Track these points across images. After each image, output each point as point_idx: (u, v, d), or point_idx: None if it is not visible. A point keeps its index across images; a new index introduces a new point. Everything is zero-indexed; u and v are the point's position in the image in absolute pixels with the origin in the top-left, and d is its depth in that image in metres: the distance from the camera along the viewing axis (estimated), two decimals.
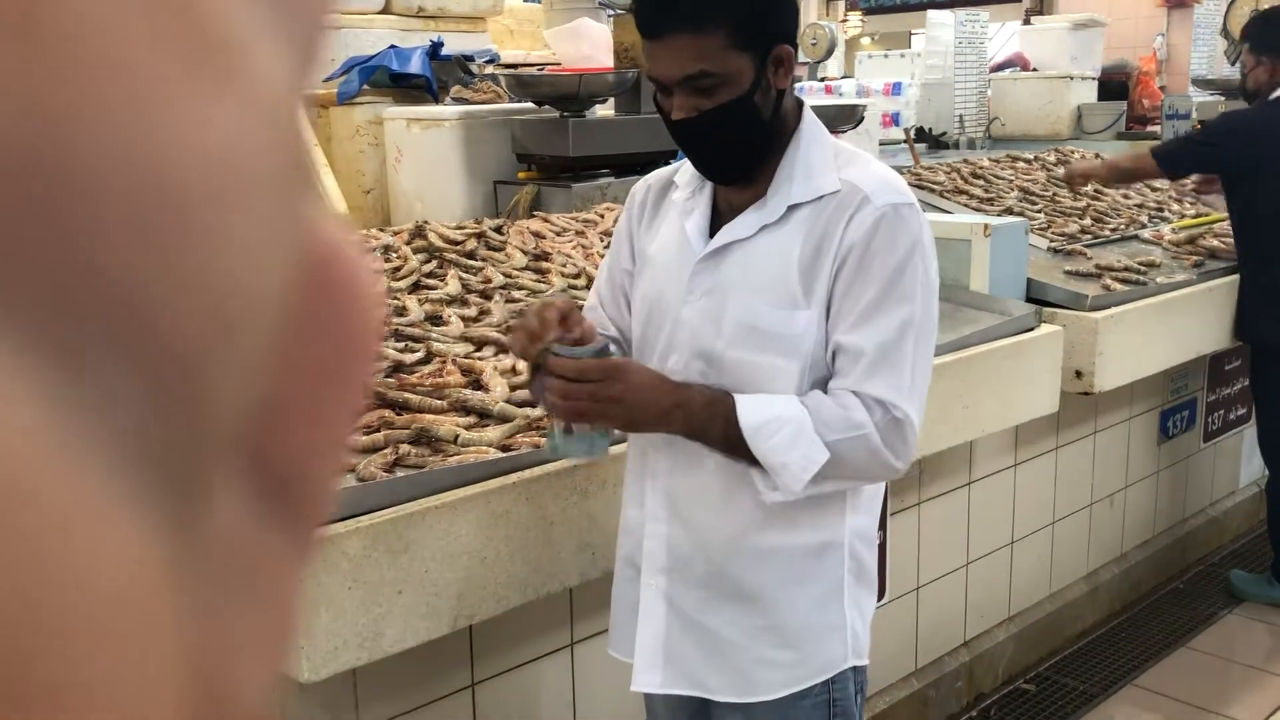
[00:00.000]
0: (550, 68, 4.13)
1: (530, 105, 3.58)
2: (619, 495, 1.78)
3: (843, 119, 3.95)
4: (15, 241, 0.12)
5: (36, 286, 0.12)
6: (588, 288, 2.62)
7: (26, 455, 0.12)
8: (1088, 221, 3.93)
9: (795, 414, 1.45)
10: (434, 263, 2.70)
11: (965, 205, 3.89)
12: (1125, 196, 4.40)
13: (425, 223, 2.90)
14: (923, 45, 6.86)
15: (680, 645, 1.62)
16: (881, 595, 2.33)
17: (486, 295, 2.54)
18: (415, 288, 2.55)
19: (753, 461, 1.47)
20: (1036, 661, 3.42)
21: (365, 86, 3.83)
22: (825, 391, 1.50)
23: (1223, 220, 3.81)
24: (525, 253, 2.82)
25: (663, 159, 3.44)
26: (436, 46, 4.04)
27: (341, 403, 0.17)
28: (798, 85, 1.59)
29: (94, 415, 0.13)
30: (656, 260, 1.63)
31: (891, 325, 1.46)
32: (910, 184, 1.55)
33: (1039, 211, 3.96)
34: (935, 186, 4.02)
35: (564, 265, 2.77)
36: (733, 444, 1.47)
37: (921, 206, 1.56)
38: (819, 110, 1.63)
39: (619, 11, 3.86)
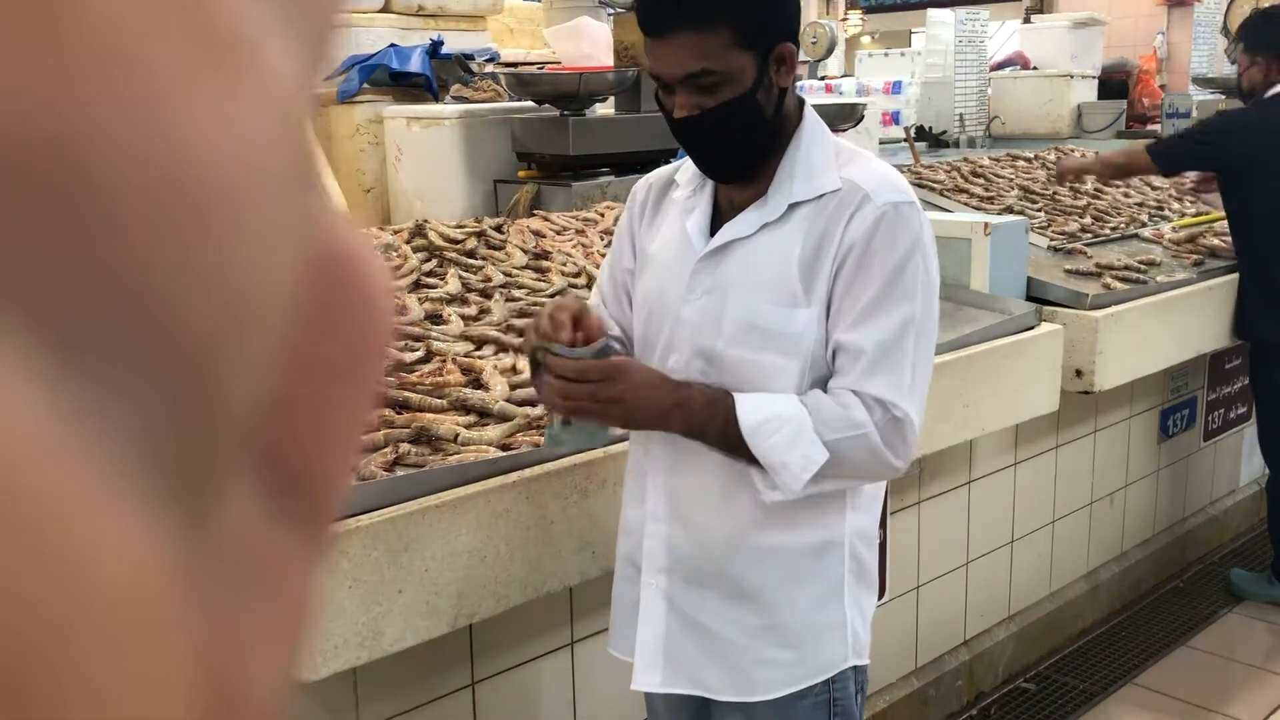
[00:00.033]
0: (550, 66, 4.13)
1: (530, 104, 3.58)
2: (619, 494, 1.78)
3: (843, 118, 3.95)
4: (28, 239, 0.12)
5: (49, 284, 0.12)
6: (588, 286, 2.62)
7: (34, 454, 0.12)
8: (1088, 220, 3.92)
9: (795, 413, 1.45)
10: (434, 262, 2.70)
11: (965, 204, 3.89)
12: (1125, 195, 4.40)
13: (425, 221, 2.90)
14: (923, 44, 6.86)
15: (680, 644, 1.62)
16: (881, 594, 2.33)
17: (486, 294, 2.54)
18: (415, 287, 2.55)
19: (752, 460, 1.47)
20: (1037, 660, 3.42)
21: (365, 85, 3.83)
22: (825, 390, 1.50)
23: (1223, 219, 3.81)
24: (525, 251, 2.82)
25: (663, 158, 3.45)
26: (436, 45, 4.04)
27: (353, 401, 0.17)
28: (798, 84, 1.59)
29: (104, 414, 0.13)
30: (657, 259, 1.63)
31: (892, 324, 1.46)
32: (910, 183, 1.55)
33: (1039, 210, 3.96)
34: (935, 185, 4.02)
35: (564, 264, 2.77)
36: (732, 443, 1.47)
37: (922, 205, 1.56)
38: (819, 109, 1.63)
39: (619, 10, 3.86)
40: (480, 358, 2.17)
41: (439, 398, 1.93)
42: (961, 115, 6.19)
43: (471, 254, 2.77)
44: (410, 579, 1.63)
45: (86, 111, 0.12)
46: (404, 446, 1.79)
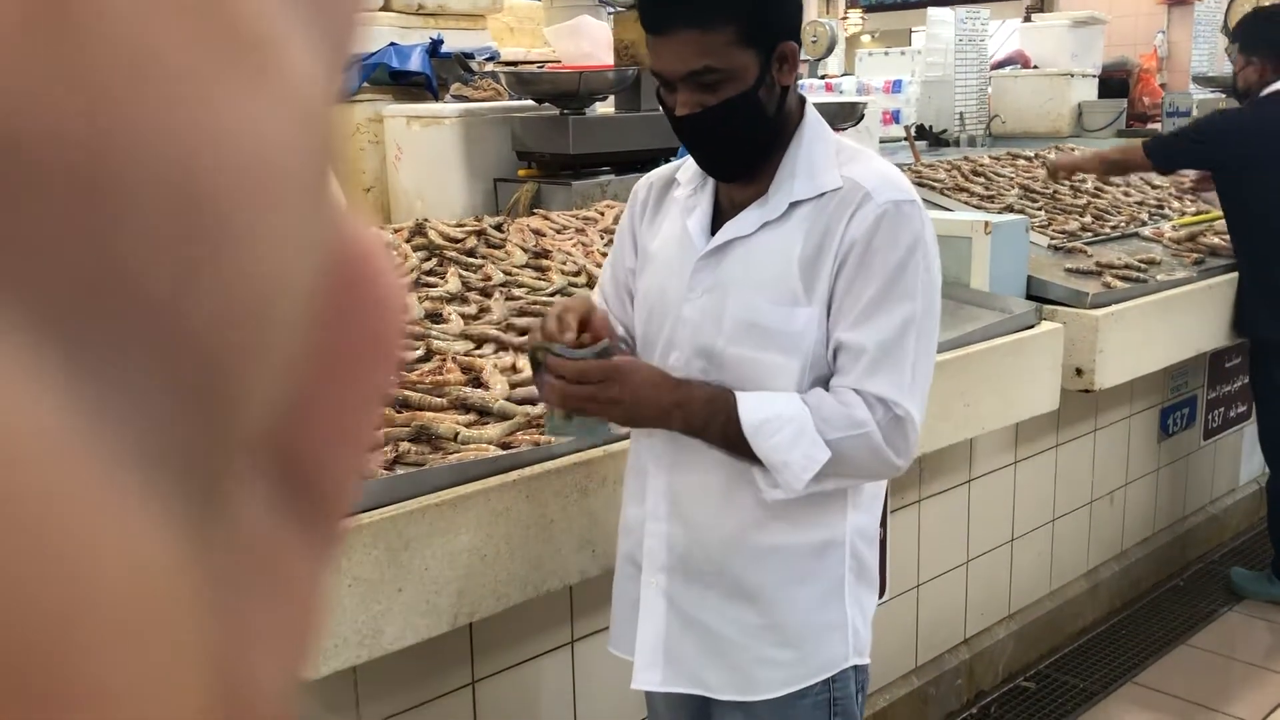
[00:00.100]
0: (550, 65, 4.13)
1: (530, 103, 3.58)
2: (619, 493, 1.78)
3: (843, 116, 3.94)
4: (43, 237, 0.12)
5: (63, 282, 0.12)
6: (588, 285, 2.62)
7: (40, 451, 0.12)
8: (1088, 219, 3.93)
9: (796, 412, 1.45)
10: (434, 260, 2.70)
11: (966, 203, 3.89)
12: (1126, 194, 4.40)
13: (425, 220, 2.90)
14: (923, 42, 6.86)
15: (681, 643, 1.62)
16: (882, 593, 2.33)
17: (486, 293, 2.54)
18: (415, 285, 2.55)
19: (754, 459, 1.47)
20: (1037, 659, 3.42)
21: (365, 84, 3.83)
22: (826, 389, 1.50)
23: (1222, 218, 3.81)
24: (525, 250, 2.82)
25: (663, 156, 3.45)
26: (436, 44, 4.04)
27: (364, 401, 0.17)
28: (798, 83, 1.59)
29: (114, 412, 0.13)
30: (658, 257, 1.63)
31: (893, 323, 1.46)
32: (911, 181, 1.56)
33: (1039, 209, 3.96)
34: (936, 184, 4.02)
35: (564, 263, 2.77)
36: (733, 442, 1.47)
37: (923, 204, 1.55)
38: (819, 108, 1.63)
39: (619, 9, 3.86)
40: (480, 356, 2.17)
41: (439, 396, 1.93)
42: (962, 114, 6.18)
43: (471, 253, 2.77)
44: (410, 578, 1.63)
45: (106, 110, 0.12)
46: (404, 445, 1.79)
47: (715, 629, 1.60)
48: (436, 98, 3.90)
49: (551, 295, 2.56)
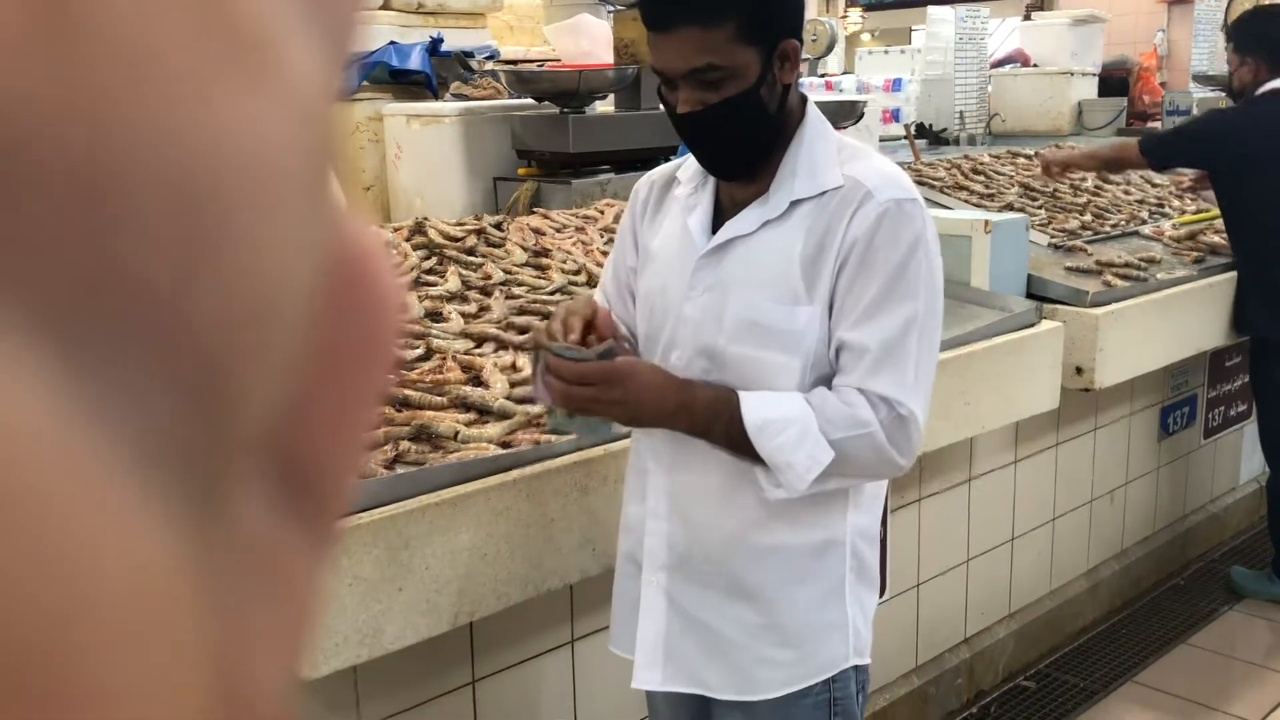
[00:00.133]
0: (550, 64, 4.13)
1: (530, 101, 3.58)
2: (619, 491, 1.78)
3: (843, 115, 3.95)
4: (43, 236, 0.12)
5: (63, 282, 0.12)
6: (588, 284, 2.62)
7: (39, 450, 0.12)
8: (1088, 217, 3.93)
9: (800, 412, 1.45)
10: (434, 259, 2.70)
11: (966, 201, 3.89)
12: (1126, 192, 4.40)
13: (425, 219, 2.90)
14: (923, 41, 6.86)
15: (681, 643, 1.62)
16: (882, 592, 2.33)
17: (486, 292, 2.54)
18: (415, 284, 2.55)
19: (757, 459, 1.47)
20: (1037, 658, 3.42)
21: (365, 82, 3.82)
22: (828, 387, 1.50)
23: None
24: (525, 249, 2.82)
25: (663, 155, 3.45)
26: (436, 42, 4.04)
27: (362, 400, 0.17)
28: (798, 81, 1.59)
29: (114, 412, 0.13)
30: (659, 256, 1.63)
31: (895, 322, 1.46)
32: (911, 180, 1.55)
33: (1039, 207, 3.96)
34: (935, 182, 4.02)
35: (564, 262, 2.77)
36: (736, 442, 1.47)
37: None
38: (819, 106, 1.63)
39: (619, 7, 3.86)
40: (480, 355, 2.17)
41: (439, 395, 1.93)
42: (962, 112, 6.18)
43: (471, 251, 2.77)
44: (410, 577, 1.63)
45: (106, 110, 0.12)
46: (404, 444, 1.79)
47: (715, 628, 1.60)
48: (436, 96, 3.90)
49: (551, 294, 2.56)
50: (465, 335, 2.27)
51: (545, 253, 2.82)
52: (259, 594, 0.15)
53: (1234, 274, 3.61)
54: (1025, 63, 6.97)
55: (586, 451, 1.87)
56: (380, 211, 3.75)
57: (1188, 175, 4.18)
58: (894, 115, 5.98)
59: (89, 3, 0.12)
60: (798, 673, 1.59)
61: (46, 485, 0.12)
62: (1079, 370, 3.02)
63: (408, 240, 2.76)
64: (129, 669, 0.12)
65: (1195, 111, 5.65)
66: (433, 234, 2.80)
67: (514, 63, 4.55)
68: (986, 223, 2.99)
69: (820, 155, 1.53)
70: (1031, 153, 4.81)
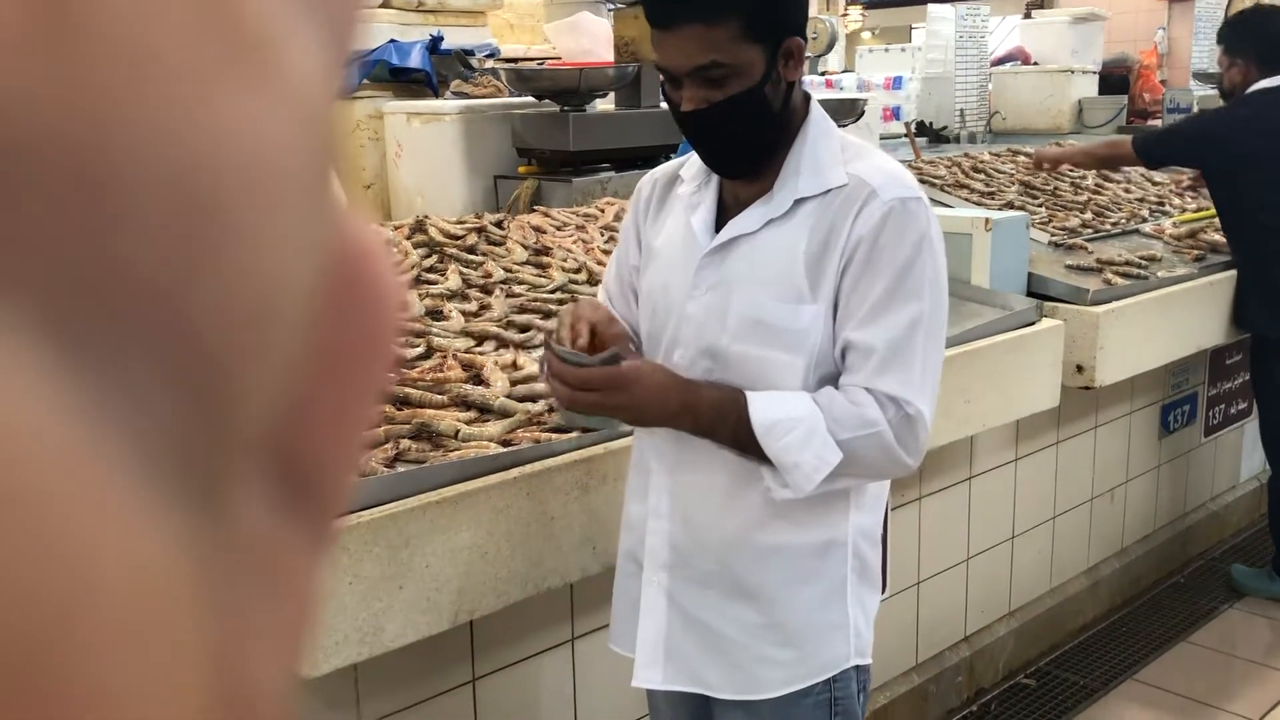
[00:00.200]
0: (550, 62, 4.13)
1: (530, 99, 3.58)
2: (620, 490, 1.78)
3: (843, 113, 3.94)
4: (43, 235, 0.12)
5: (63, 281, 0.12)
6: (588, 282, 2.62)
7: (40, 450, 0.12)
8: (1089, 215, 3.93)
9: (807, 413, 1.45)
10: (434, 258, 2.70)
11: (966, 199, 3.88)
12: (1126, 190, 4.40)
13: (425, 217, 2.90)
14: (923, 39, 6.85)
15: (681, 642, 1.62)
16: (882, 590, 2.32)
17: (487, 290, 2.54)
18: (416, 282, 2.55)
19: (763, 459, 1.47)
20: (1037, 656, 3.42)
21: (365, 81, 3.82)
22: (833, 386, 1.50)
23: None
24: (526, 247, 2.82)
25: (663, 153, 3.45)
26: (436, 41, 4.03)
27: (362, 399, 0.17)
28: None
29: (115, 411, 0.13)
30: (662, 254, 1.63)
31: (901, 322, 1.46)
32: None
33: (1040, 205, 3.96)
34: (936, 180, 4.02)
35: (565, 260, 2.77)
36: (743, 442, 1.47)
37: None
38: (819, 105, 1.63)
39: (619, 5, 3.85)
40: (481, 354, 2.17)
41: (439, 394, 1.93)
42: (962, 110, 6.18)
43: (472, 250, 2.77)
44: (411, 575, 1.63)
45: (107, 110, 0.12)
46: (404, 443, 1.79)
47: (716, 628, 1.60)
48: (437, 95, 3.90)
49: (552, 292, 2.56)
50: (466, 333, 2.27)
51: (546, 251, 2.82)
52: (259, 593, 0.15)
53: (1234, 272, 3.61)
54: (1026, 60, 6.97)
55: (587, 450, 1.87)
56: (381, 210, 3.75)
57: (1187, 174, 4.18)
58: (894, 113, 5.98)
59: (89, 3, 0.12)
60: (798, 672, 1.58)
61: (47, 485, 0.12)
62: (1079, 368, 3.02)
63: (408, 238, 2.76)
64: (129, 669, 0.12)
65: (1196, 109, 5.66)
66: (433, 232, 2.80)
67: (514, 61, 4.55)
68: (987, 221, 2.99)
69: (824, 153, 1.53)
70: (1032, 150, 4.81)
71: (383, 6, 4.41)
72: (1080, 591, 3.60)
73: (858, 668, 1.62)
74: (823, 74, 7.04)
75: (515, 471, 1.77)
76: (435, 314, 2.37)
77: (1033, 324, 2.86)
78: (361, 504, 1.60)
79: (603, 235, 2.95)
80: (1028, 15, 8.08)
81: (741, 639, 1.59)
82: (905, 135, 5.19)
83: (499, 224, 2.95)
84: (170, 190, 0.13)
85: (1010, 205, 3.82)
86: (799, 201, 1.52)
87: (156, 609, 0.13)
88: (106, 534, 0.12)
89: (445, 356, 2.10)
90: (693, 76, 1.47)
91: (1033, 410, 2.86)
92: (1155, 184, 4.53)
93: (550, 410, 1.93)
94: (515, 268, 2.70)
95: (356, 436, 0.17)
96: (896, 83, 6.46)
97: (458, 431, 1.83)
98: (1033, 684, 3.30)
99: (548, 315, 2.39)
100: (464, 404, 1.92)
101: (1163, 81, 7.30)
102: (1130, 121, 6.48)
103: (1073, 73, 6.48)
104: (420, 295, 2.44)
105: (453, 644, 1.95)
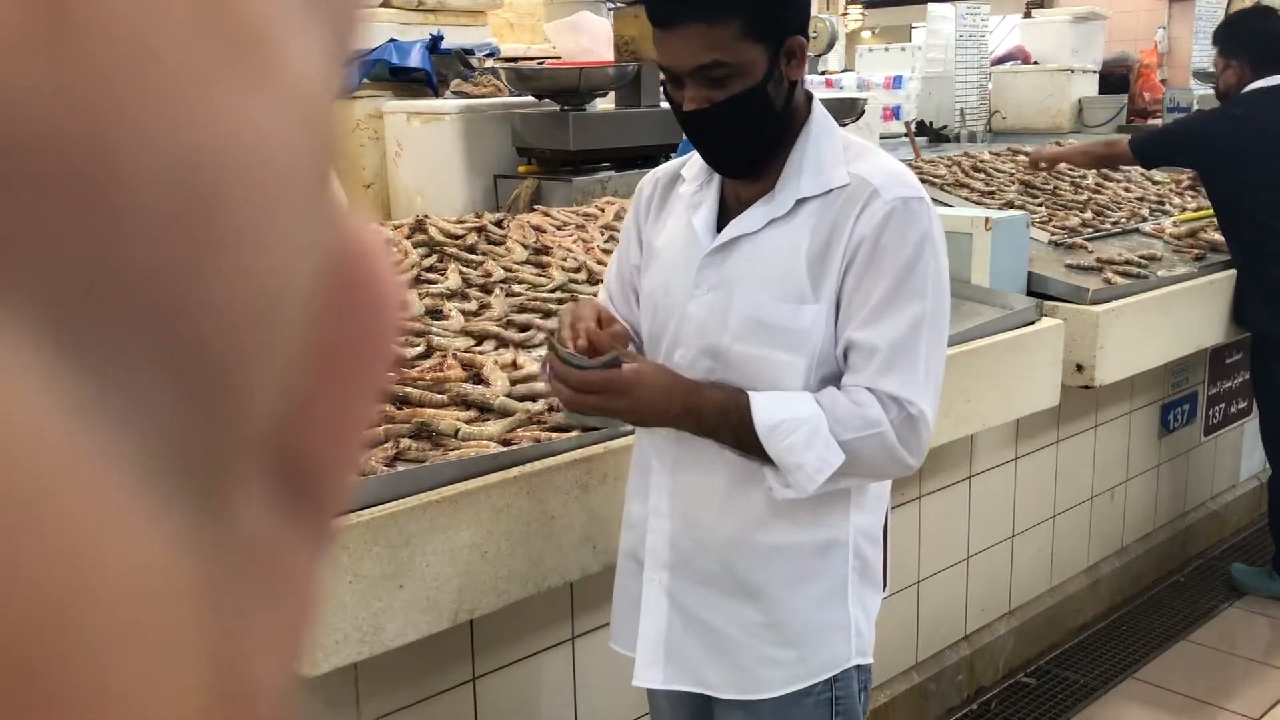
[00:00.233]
0: (550, 61, 4.13)
1: (530, 99, 3.58)
2: (620, 489, 1.78)
3: (843, 112, 3.94)
4: (44, 233, 0.12)
5: (63, 279, 0.12)
6: (588, 282, 2.62)
7: (46, 454, 0.12)
8: (1089, 215, 3.93)
9: (810, 414, 1.44)
10: (434, 257, 2.70)
11: (966, 199, 3.88)
12: (1126, 190, 4.40)
13: (425, 217, 2.90)
14: (923, 38, 6.85)
15: (682, 641, 1.62)
16: (883, 589, 2.33)
17: (487, 289, 2.54)
18: (415, 282, 2.55)
19: (765, 459, 1.46)
20: (1037, 655, 3.42)
21: (365, 80, 3.82)
22: (835, 386, 1.50)
23: None
24: (526, 247, 2.82)
25: (663, 152, 3.45)
26: (436, 40, 4.03)
27: (362, 399, 0.17)
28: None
29: (115, 410, 0.13)
30: (664, 254, 1.63)
31: (903, 322, 1.46)
32: None
33: (1040, 205, 3.96)
34: (936, 180, 4.02)
35: (564, 259, 2.77)
36: (745, 443, 1.46)
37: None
38: None
39: (619, 4, 3.85)
40: (481, 353, 2.17)
41: (439, 393, 1.93)
42: (962, 110, 6.18)
43: (472, 249, 2.77)
44: (411, 574, 1.63)
45: (107, 109, 0.12)
46: (404, 442, 1.79)
47: (717, 627, 1.59)
48: (436, 94, 3.90)
49: (552, 291, 2.56)
50: (466, 333, 2.27)
51: (546, 250, 2.82)
52: (259, 593, 0.15)
53: (1234, 271, 3.61)
54: (1026, 60, 6.96)
55: (587, 449, 1.87)
56: (380, 209, 3.75)
57: (1186, 173, 4.19)
58: (894, 112, 5.98)
59: (89, 2, 0.12)
60: (799, 672, 1.58)
61: (47, 484, 0.12)
62: (1079, 367, 3.02)
63: (408, 238, 2.76)
64: (130, 668, 0.12)
65: (1196, 108, 5.65)
66: (433, 231, 2.80)
67: (514, 60, 4.55)
68: (987, 220, 2.99)
69: (826, 153, 1.53)
70: (1031, 150, 4.81)
71: (383, 5, 4.41)
72: (1080, 590, 3.60)
73: (859, 667, 1.62)
74: (822, 73, 7.04)
75: (515, 471, 1.77)
76: (435, 313, 2.37)
77: (1033, 323, 2.86)
78: (361, 503, 1.60)
79: (603, 235, 2.95)
80: (1028, 14, 8.08)
81: (742, 638, 1.59)
82: (905, 135, 5.19)
83: (499, 223, 2.95)
84: (171, 189, 0.13)
85: (1010, 204, 3.82)
86: (801, 201, 1.51)
87: (157, 608, 0.13)
88: (107, 533, 0.12)
89: (445, 356, 2.10)
90: (695, 76, 1.46)
91: (1033, 409, 2.86)
92: (1155, 183, 4.53)
93: (550, 409, 1.93)
94: (515, 267, 2.70)
95: (357, 436, 0.17)
96: (896, 82, 6.46)
97: (457, 431, 1.83)
98: (1033, 683, 3.30)
99: (547, 315, 2.39)
100: (464, 403, 1.92)
101: (1163, 81, 7.30)
102: (1130, 121, 6.47)
103: (1073, 72, 6.48)
104: (420, 294, 2.44)
105: (453, 643, 1.95)
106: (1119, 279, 3.24)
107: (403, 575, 1.62)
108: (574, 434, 1.87)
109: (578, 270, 2.71)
